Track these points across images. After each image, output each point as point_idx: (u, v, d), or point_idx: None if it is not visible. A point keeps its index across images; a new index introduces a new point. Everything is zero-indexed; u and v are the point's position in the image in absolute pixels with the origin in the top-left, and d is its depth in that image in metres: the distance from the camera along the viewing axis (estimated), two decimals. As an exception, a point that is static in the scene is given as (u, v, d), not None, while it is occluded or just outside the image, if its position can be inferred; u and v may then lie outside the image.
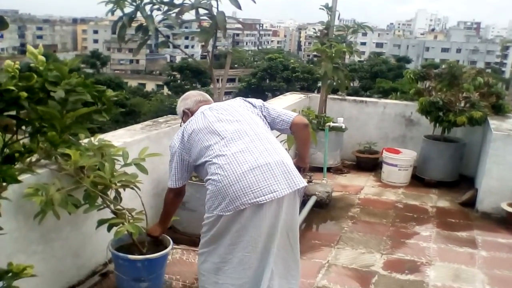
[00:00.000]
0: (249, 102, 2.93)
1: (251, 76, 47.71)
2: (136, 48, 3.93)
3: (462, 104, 5.86)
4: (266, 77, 46.10)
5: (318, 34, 6.84)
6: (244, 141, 2.59)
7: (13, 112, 1.63)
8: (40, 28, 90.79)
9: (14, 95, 1.63)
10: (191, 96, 3.14)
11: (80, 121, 1.75)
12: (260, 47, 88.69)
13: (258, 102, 2.96)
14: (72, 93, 1.70)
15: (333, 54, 6.05)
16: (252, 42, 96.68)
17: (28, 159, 1.80)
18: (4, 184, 1.63)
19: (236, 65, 54.83)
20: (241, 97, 3.01)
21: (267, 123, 2.85)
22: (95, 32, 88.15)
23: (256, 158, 2.52)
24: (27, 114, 1.66)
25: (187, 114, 3.04)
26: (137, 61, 73.93)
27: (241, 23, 4.44)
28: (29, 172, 1.94)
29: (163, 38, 4.19)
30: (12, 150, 1.71)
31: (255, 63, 56.86)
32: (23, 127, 1.72)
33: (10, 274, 1.80)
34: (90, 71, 50.67)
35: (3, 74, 1.57)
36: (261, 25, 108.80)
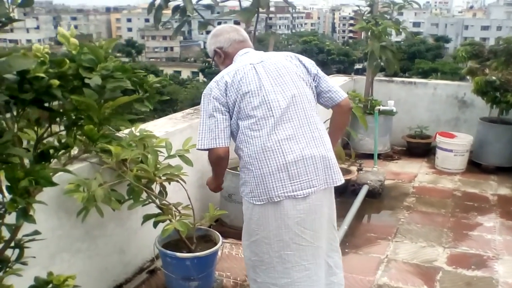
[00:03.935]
0: (304, 66, 2.47)
1: (286, 60, 47.04)
2: (174, 30, 3.73)
3: (521, 84, 5.43)
4: (301, 60, 45.45)
5: (361, 12, 6.45)
6: (293, 125, 2.29)
7: (45, 104, 1.41)
8: (74, 18, 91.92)
9: (45, 83, 1.40)
10: (224, 32, 2.55)
11: (120, 112, 1.51)
12: (293, 30, 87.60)
13: (313, 67, 2.50)
14: (110, 79, 1.46)
15: (380, 32, 5.68)
16: (285, 26, 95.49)
17: (67, 154, 1.58)
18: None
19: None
20: (295, 55, 2.53)
21: (315, 96, 2.48)
22: (129, 20, 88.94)
23: (302, 149, 2.27)
24: (61, 105, 1.44)
25: (219, 54, 2.53)
26: (172, 48, 74.34)
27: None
28: (65, 171, 1.73)
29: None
30: (47, 146, 1.49)
31: (289, 46, 56.21)
32: (57, 120, 1.50)
33: (50, 286, 1.59)
34: (125, 59, 51.17)
35: (31, 60, 1.33)
36: (294, 7, 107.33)
